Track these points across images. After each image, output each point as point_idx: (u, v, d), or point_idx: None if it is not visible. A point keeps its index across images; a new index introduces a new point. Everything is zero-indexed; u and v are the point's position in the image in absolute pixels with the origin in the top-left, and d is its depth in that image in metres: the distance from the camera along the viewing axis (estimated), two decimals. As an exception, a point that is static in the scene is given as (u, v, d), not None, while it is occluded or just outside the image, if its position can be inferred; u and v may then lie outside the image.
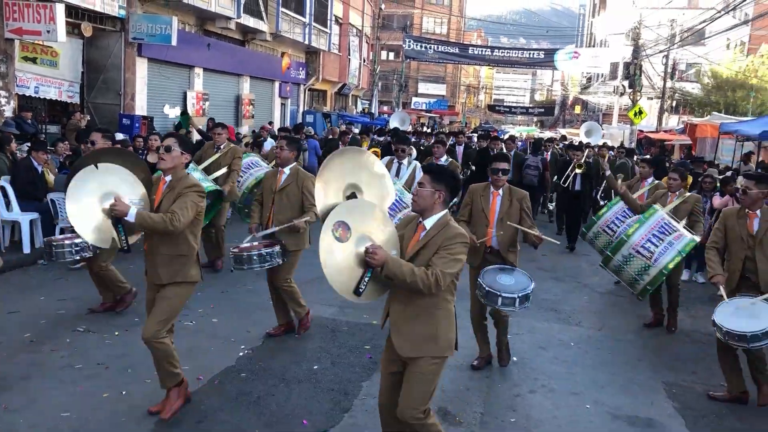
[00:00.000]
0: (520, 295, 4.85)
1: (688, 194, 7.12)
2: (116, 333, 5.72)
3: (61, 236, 6.14)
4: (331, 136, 17.29)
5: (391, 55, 55.25)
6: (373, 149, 13.34)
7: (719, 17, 26.36)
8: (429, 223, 3.38)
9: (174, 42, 15.22)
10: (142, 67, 16.01)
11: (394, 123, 21.94)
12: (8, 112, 12.01)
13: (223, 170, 8.04)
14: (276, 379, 4.94)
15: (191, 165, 7.42)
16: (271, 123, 22.53)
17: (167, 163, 4.17)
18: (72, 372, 4.82)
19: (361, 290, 3.15)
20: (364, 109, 39.70)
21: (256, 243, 5.63)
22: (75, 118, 13.20)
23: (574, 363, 5.78)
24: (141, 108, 16.03)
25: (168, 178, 4.21)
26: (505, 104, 71.43)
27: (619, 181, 8.59)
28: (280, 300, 5.93)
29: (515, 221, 5.26)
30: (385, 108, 39.19)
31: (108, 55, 15.13)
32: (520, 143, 18.71)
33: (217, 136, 8.44)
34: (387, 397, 3.50)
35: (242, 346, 5.58)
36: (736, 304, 4.95)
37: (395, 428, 3.52)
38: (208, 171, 7.93)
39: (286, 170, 5.78)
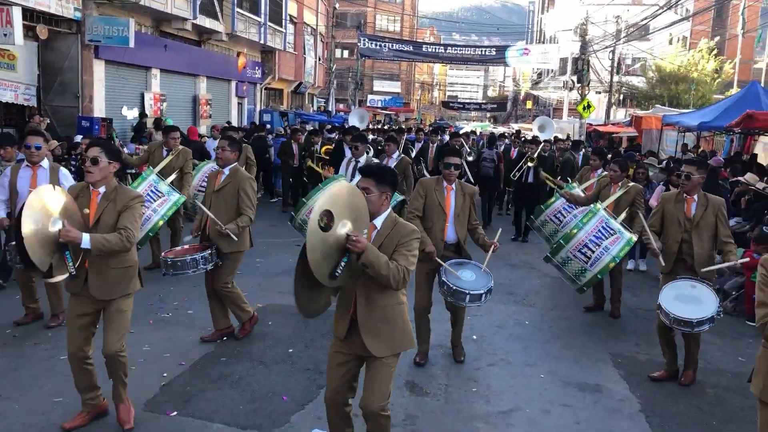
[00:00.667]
0: (485, 290, 5.05)
1: (630, 184, 7.31)
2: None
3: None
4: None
5: (346, 53, 55.48)
6: (325, 147, 13.73)
7: (661, 13, 27.52)
8: (378, 222, 3.45)
9: (132, 44, 15.27)
10: (99, 69, 15.99)
11: (353, 121, 21.67)
12: (-34, 116, 11.98)
13: (174, 175, 7.75)
14: (254, 362, 5.29)
15: (149, 170, 7.38)
16: (228, 122, 22.63)
17: (95, 175, 3.98)
18: (59, 362, 5.07)
19: (337, 274, 3.16)
20: (320, 107, 39.92)
21: (187, 246, 5.70)
22: (34, 121, 13.20)
23: (528, 339, 6.27)
24: (99, 110, 16.02)
25: (101, 189, 4.04)
26: (459, 101, 72.35)
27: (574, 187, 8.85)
28: (218, 304, 5.81)
29: (467, 215, 5.43)
30: (341, 106, 39.47)
31: (64, 58, 15.09)
32: (476, 138, 19.21)
33: (172, 141, 8.21)
34: (338, 395, 3.57)
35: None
36: (679, 288, 5.19)
37: (343, 424, 3.65)
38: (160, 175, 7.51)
39: (226, 170, 5.69)
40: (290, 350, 5.61)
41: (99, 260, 3.97)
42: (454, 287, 5.00)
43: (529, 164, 11.37)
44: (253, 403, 4.56)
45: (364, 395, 3.47)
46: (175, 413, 4.38)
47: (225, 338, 5.78)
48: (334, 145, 13.36)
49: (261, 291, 7.25)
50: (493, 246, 5.24)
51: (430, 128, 20.24)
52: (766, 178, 11.73)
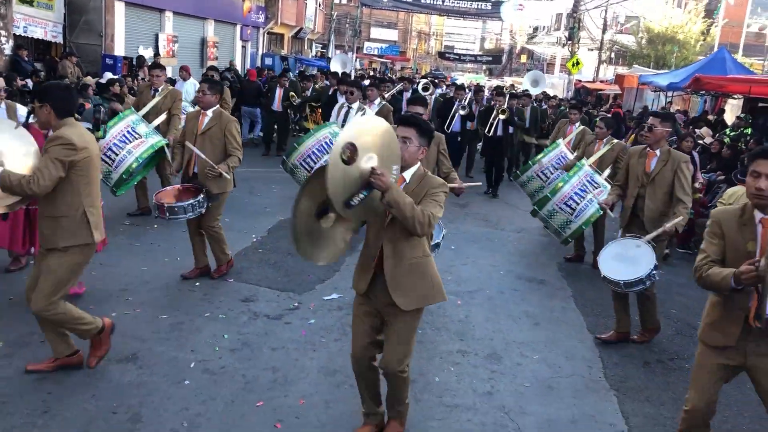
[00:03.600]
0: (439, 239, 5.34)
1: (614, 141, 7.70)
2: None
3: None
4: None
5: (342, -1, 55.85)
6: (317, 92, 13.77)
7: None
8: (408, 175, 3.34)
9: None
10: (120, 9, 17.23)
11: (335, 66, 21.38)
12: (8, 51, 13.30)
13: (163, 116, 7.49)
14: (284, 254, 6.92)
15: (129, 111, 7.24)
16: (232, 62, 23.77)
17: (38, 123, 3.95)
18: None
19: (353, 204, 3.00)
20: (317, 53, 40.91)
21: (175, 187, 5.86)
22: (69, 60, 14.35)
23: (495, 250, 7.93)
24: (120, 49, 17.30)
25: (49, 134, 3.93)
26: (455, 51, 72.88)
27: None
28: (202, 243, 6.01)
29: (432, 164, 5.55)
30: (338, 52, 40.34)
31: (89, -2, 16.31)
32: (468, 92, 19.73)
33: (155, 78, 8.08)
34: (365, 351, 3.53)
35: (253, 235, 7.52)
36: (623, 246, 5.20)
37: (371, 374, 3.60)
38: (147, 117, 7.24)
39: (209, 113, 5.75)
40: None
41: (41, 203, 3.85)
42: None
43: (501, 117, 11.27)
44: (286, 277, 6.23)
45: (384, 354, 3.48)
46: (232, 279, 6.03)
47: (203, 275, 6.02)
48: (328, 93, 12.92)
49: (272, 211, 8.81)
50: (458, 186, 5.38)
51: (429, 78, 20.84)
52: (717, 135, 13.34)
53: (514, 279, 6.88)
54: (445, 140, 5.89)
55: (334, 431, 3.76)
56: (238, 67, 24.08)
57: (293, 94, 13.08)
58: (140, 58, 16.82)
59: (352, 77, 18.44)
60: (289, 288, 5.96)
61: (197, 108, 5.94)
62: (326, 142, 7.39)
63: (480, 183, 5.68)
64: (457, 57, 62.41)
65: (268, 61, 27.51)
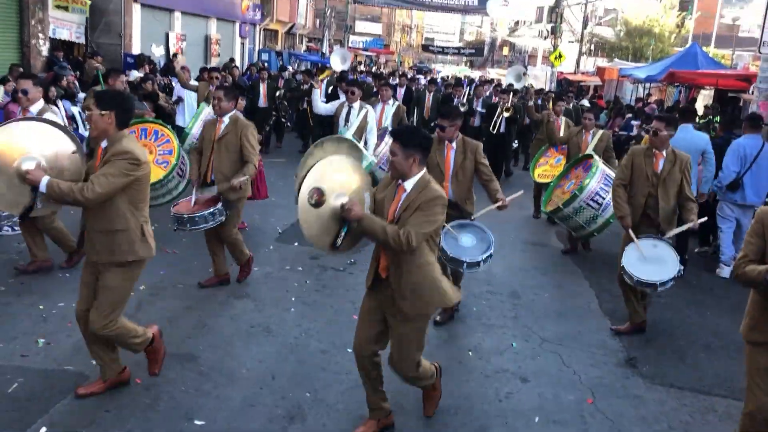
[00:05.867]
0: (483, 257, 5.01)
1: (600, 132, 8.06)
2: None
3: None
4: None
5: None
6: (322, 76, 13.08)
7: None
8: (409, 185, 3.43)
9: (167, -10, 17.63)
10: (137, 11, 18.37)
11: (335, 62, 20.37)
12: (45, 52, 14.44)
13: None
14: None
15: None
16: (232, 60, 24.93)
17: (93, 130, 3.71)
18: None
19: (338, 244, 3.30)
20: (308, 48, 42.08)
21: (195, 198, 5.66)
22: (96, 60, 15.46)
23: (505, 225, 9.26)
24: (136, 48, 18.44)
25: (104, 144, 3.70)
26: (437, 44, 74.19)
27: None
28: (222, 251, 5.92)
29: (469, 174, 5.36)
30: (337, 47, 41.51)
31: (110, 1, 17.41)
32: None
33: (215, 80, 9.11)
34: (367, 344, 3.61)
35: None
36: (642, 247, 5.26)
37: (372, 370, 3.68)
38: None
39: (225, 119, 5.69)
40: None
41: (87, 218, 3.80)
42: (451, 255, 4.98)
43: (505, 114, 11.41)
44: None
45: (391, 355, 3.65)
46: (297, 243, 7.37)
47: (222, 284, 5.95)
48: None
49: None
50: (501, 202, 5.24)
51: (415, 70, 21.74)
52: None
53: (522, 243, 8.29)
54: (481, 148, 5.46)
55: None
56: (237, 63, 25.22)
57: (281, 90, 12.91)
58: (141, 56, 16.78)
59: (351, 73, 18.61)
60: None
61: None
62: None
63: (522, 191, 5.44)
64: (441, 50, 63.64)
65: (264, 56, 28.69)
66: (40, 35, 14.23)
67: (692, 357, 5.24)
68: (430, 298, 3.52)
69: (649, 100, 20.39)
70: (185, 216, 5.37)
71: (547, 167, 9.33)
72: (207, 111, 7.53)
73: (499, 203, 5.22)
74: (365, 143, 7.40)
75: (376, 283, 3.59)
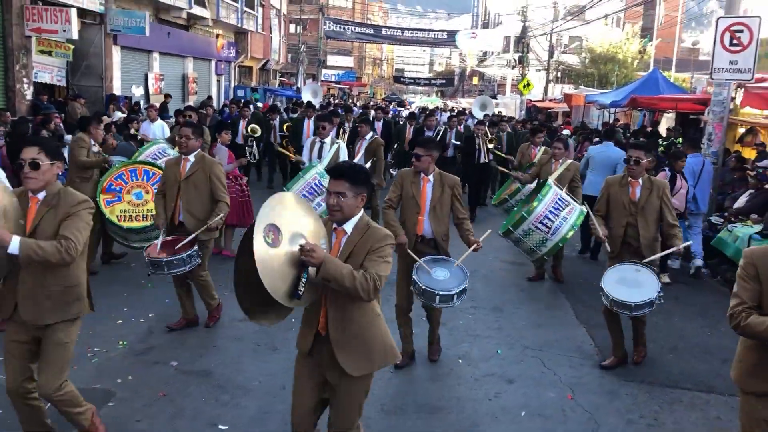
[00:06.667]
0: (457, 290, 4.81)
1: (569, 162, 7.93)
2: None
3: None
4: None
5: (299, 29, 57.92)
6: (285, 125, 13.66)
7: (600, 2, 30.94)
8: (349, 227, 3.16)
9: (147, 33, 18.16)
10: (117, 53, 18.85)
11: (306, 96, 21.78)
12: (29, 96, 14.80)
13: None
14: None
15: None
16: (209, 98, 25.44)
17: (37, 182, 3.42)
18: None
19: (300, 292, 2.88)
20: (282, 82, 42.86)
21: (162, 240, 5.47)
22: (78, 102, 15.87)
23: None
24: (117, 89, 18.88)
25: (41, 195, 3.46)
26: (408, 76, 75.69)
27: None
28: (190, 293, 5.80)
29: (447, 209, 5.17)
30: (309, 81, 42.32)
31: (90, 45, 17.87)
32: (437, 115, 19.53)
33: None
34: (306, 416, 3.30)
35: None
36: (622, 271, 5.25)
37: None
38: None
39: (191, 157, 5.56)
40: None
41: (33, 276, 3.44)
42: (424, 287, 4.77)
43: (489, 146, 11.48)
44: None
45: (332, 418, 3.33)
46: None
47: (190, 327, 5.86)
48: (293, 124, 13.13)
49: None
50: (476, 245, 5.03)
51: (386, 101, 22.19)
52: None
53: (501, 262, 8.82)
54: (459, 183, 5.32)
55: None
56: (214, 100, 25.73)
57: (254, 127, 12.88)
58: (112, 96, 17.45)
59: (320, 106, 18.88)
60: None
61: (176, 153, 5.72)
62: (315, 183, 7.26)
63: (490, 230, 5.38)
64: (413, 81, 65.03)
65: (240, 92, 29.30)
66: (25, 80, 14.60)
67: (660, 357, 5.76)
68: (378, 357, 3.24)
69: (615, 125, 21.27)
70: (163, 260, 5.25)
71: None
72: (155, 148, 7.95)
73: (475, 246, 5.02)
74: None
75: (315, 345, 3.23)
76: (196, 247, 5.43)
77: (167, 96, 19.98)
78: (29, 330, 3.53)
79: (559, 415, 4.60)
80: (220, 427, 4.18)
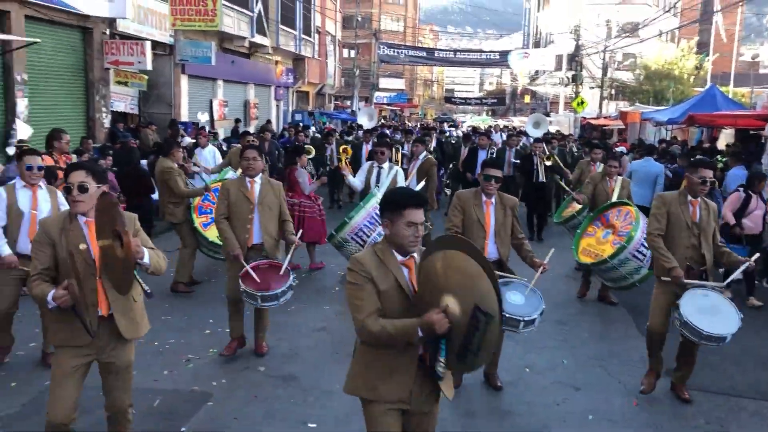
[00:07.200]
0: (538, 313, 4.78)
1: (620, 179, 8.02)
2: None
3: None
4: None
5: (352, 53, 59.07)
6: (342, 147, 13.51)
7: (655, 20, 30.80)
8: (417, 255, 3.04)
9: (213, 62, 19.09)
10: (184, 82, 19.83)
11: (362, 120, 22.57)
12: (107, 124, 15.78)
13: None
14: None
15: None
16: (269, 122, 26.34)
17: (86, 205, 3.41)
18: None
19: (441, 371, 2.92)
20: (336, 105, 43.88)
21: (253, 264, 5.44)
22: (150, 129, 16.82)
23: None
24: (185, 115, 19.84)
25: (88, 218, 3.44)
26: (459, 96, 76.09)
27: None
28: (241, 313, 5.76)
29: (509, 230, 5.16)
30: (362, 105, 43.20)
31: (160, 74, 18.88)
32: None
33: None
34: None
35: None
36: (694, 298, 4.85)
37: None
38: None
39: (258, 179, 5.59)
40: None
41: (116, 293, 3.41)
42: (507, 314, 4.56)
43: (546, 163, 11.47)
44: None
45: None
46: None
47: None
48: (351, 147, 13.51)
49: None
50: (543, 267, 4.91)
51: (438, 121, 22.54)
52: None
53: (563, 277, 9.01)
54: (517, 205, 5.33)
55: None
56: (273, 124, 26.62)
57: (309, 147, 13.17)
58: (173, 121, 18.00)
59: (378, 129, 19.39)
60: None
61: (238, 175, 5.78)
62: (376, 213, 7.09)
63: (553, 249, 5.27)
64: (463, 101, 65.42)
65: (298, 116, 30.23)
66: (103, 109, 15.59)
67: (725, 368, 5.92)
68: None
69: (672, 141, 21.14)
70: (269, 293, 5.24)
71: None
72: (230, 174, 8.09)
73: (542, 268, 4.90)
74: None
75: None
76: (293, 277, 5.44)
77: (237, 121, 20.92)
78: (92, 353, 3.47)
79: (625, 420, 4.84)
80: (309, 425, 4.57)
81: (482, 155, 11.98)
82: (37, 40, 9.45)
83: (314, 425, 4.58)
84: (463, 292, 2.70)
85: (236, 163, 9.13)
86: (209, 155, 11.24)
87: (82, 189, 3.36)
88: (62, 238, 3.37)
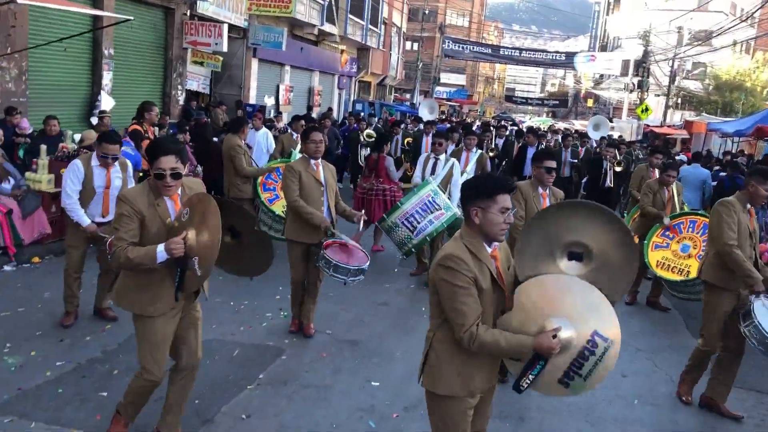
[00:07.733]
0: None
1: (674, 184, 7.97)
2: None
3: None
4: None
5: (415, 45, 59.28)
6: (406, 138, 14.11)
7: (728, 29, 29.94)
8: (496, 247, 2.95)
9: (284, 47, 19.70)
10: (255, 65, 20.52)
11: (423, 112, 22.42)
12: (181, 101, 16.54)
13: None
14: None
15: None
16: (330, 109, 26.87)
17: (177, 188, 3.56)
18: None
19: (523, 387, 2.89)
20: (396, 98, 44.30)
21: (336, 241, 5.53)
22: (220, 109, 17.52)
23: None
24: (252, 98, 20.54)
25: (178, 194, 3.58)
26: (518, 94, 75.45)
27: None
28: (300, 299, 5.90)
29: None
30: (423, 98, 43.50)
31: (233, 57, 19.59)
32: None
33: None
34: None
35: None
36: (761, 307, 4.57)
37: None
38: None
39: (321, 162, 5.71)
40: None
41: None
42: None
43: (617, 169, 11.38)
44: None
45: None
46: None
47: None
48: (413, 138, 13.69)
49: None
50: None
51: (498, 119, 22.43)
52: None
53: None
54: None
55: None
56: (334, 112, 27.16)
57: (370, 132, 13.60)
58: (238, 102, 18.79)
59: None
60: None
61: (301, 157, 5.82)
62: (428, 201, 7.33)
63: None
64: (524, 100, 64.90)
65: (359, 106, 30.73)
66: (179, 87, 16.35)
67: (771, 371, 6.08)
68: None
69: (737, 154, 20.82)
70: (343, 266, 5.30)
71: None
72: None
73: None
74: (449, 195, 7.77)
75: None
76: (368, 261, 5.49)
77: (296, 118, 21.40)
78: (179, 312, 3.67)
79: (670, 406, 5.10)
80: (372, 383, 5.00)
81: (530, 153, 11.93)
82: (131, 17, 10.04)
83: (377, 384, 4.99)
84: (580, 315, 2.75)
85: (288, 147, 9.68)
86: (262, 138, 11.36)
87: (176, 176, 3.46)
88: (152, 212, 3.47)
